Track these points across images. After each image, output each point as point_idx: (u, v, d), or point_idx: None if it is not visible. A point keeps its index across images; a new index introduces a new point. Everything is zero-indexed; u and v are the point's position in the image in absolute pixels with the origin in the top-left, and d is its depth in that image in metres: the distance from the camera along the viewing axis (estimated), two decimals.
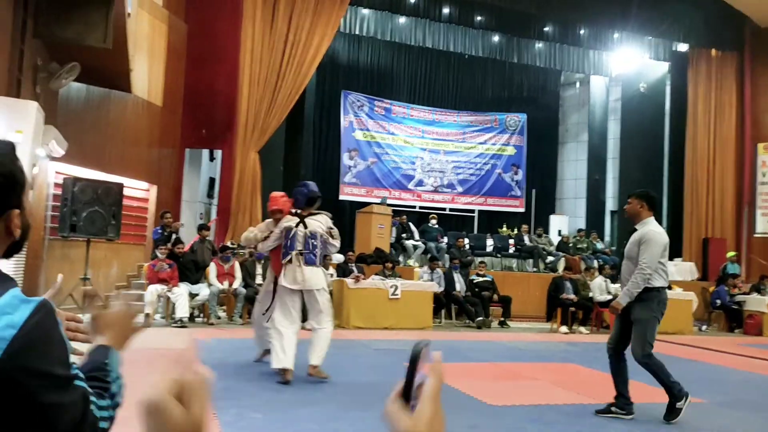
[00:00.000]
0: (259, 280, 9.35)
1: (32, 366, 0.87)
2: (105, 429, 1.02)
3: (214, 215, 12.71)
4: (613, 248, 15.35)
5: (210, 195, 13.16)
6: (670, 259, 14.70)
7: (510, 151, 17.63)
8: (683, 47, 15.65)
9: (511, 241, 14.18)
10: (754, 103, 15.55)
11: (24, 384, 0.86)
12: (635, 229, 4.63)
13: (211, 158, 13.12)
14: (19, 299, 0.91)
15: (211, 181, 13.15)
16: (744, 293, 12.07)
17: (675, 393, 4.42)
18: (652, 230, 4.50)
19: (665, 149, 16.24)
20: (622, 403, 4.47)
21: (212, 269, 9.25)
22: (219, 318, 9.22)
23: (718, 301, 12.00)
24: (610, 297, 10.69)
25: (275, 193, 6.13)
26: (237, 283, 9.22)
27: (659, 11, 14.50)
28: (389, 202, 14.88)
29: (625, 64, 16.46)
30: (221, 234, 11.40)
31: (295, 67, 11.97)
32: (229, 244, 10.20)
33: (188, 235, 10.84)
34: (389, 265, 10.43)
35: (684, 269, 14.00)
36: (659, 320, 4.54)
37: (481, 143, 17.43)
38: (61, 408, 0.91)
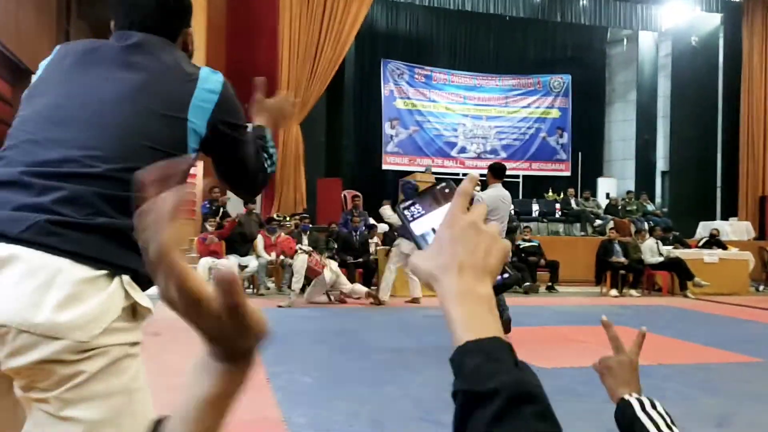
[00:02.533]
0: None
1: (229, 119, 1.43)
2: (270, 172, 1.61)
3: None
4: (665, 210, 14.94)
5: None
6: (725, 218, 14.42)
7: (554, 113, 17.24)
8: None
9: (558, 206, 13.95)
10: None
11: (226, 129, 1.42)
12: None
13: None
14: (210, 70, 1.48)
15: None
16: None
17: None
18: (481, 195, 5.67)
19: (719, 105, 15.58)
20: None
21: (260, 241, 9.40)
22: (268, 288, 9.39)
23: None
24: (661, 259, 10.46)
25: None
26: (282, 255, 9.33)
27: None
28: (433, 170, 14.78)
29: (675, 17, 15.78)
30: (267, 207, 11.55)
31: (334, 37, 11.90)
32: (275, 216, 10.35)
33: (235, 209, 11.02)
34: None
35: (740, 228, 13.54)
36: None
37: (524, 107, 17.08)
38: (247, 143, 1.49)
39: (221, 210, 9.59)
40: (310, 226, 10.26)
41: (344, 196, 12.03)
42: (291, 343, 5.32)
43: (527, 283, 10.01)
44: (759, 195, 14.44)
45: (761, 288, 11.39)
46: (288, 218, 10.41)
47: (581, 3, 15.09)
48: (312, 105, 11.97)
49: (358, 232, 9.48)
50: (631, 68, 17.64)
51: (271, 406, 3.45)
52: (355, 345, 5.32)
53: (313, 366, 4.48)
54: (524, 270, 10.22)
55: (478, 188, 7.05)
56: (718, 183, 15.54)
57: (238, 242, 9.29)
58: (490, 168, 6.03)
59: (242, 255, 9.14)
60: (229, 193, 12.01)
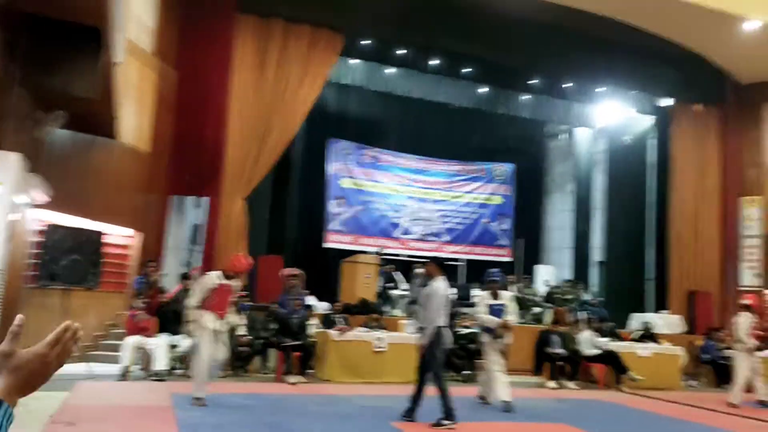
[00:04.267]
0: (241, 331, 9.12)
1: None
2: None
3: (198, 262, 12.51)
4: (601, 299, 15.27)
5: (194, 242, 12.98)
6: (656, 311, 14.86)
7: (497, 200, 17.70)
8: (666, 102, 15.95)
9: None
10: (736, 158, 15.80)
11: None
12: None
13: (197, 205, 13.00)
14: None
15: (196, 227, 12.99)
16: (731, 348, 11.97)
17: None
18: (437, 285, 6.34)
19: (650, 201, 16.37)
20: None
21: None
22: None
23: (707, 356, 11.91)
24: (598, 351, 10.58)
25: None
26: None
27: (642, 67, 14.79)
28: (383, 251, 14.77)
29: (610, 116, 16.72)
30: None
31: (284, 117, 12.02)
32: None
33: (173, 284, 10.64)
34: (375, 316, 10.27)
35: (671, 322, 13.94)
36: (443, 350, 6.42)
37: (468, 192, 17.48)
38: None
39: (155, 284, 9.22)
40: (250, 304, 9.98)
41: (282, 274, 11.80)
42: None
43: (466, 372, 9.90)
44: (688, 290, 14.99)
45: (693, 383, 11.60)
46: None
47: (522, 98, 15.82)
48: (258, 181, 11.90)
49: (298, 314, 9.25)
50: (569, 161, 18.43)
51: None
52: None
53: None
54: (464, 357, 10.14)
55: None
56: (650, 276, 16.09)
57: (171, 320, 8.89)
58: (435, 261, 6.84)
59: (174, 334, 8.73)
60: (167, 266, 11.62)
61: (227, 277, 6.64)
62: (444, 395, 6.07)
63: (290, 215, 14.58)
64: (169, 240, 11.75)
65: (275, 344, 9.01)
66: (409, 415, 6.21)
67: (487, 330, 7.42)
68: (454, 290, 6.73)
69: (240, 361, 9.02)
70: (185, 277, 9.89)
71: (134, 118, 10.30)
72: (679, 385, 10.98)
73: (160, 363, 8.08)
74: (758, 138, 15.63)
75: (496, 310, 7.35)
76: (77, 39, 5.98)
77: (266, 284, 11.29)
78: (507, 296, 7.78)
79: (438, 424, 5.95)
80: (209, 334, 6.43)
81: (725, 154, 15.76)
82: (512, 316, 7.52)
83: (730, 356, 11.50)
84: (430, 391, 6.15)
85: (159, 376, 7.97)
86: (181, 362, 8.81)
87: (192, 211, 12.95)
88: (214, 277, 6.61)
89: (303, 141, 15.27)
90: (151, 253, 10.58)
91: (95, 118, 8.02)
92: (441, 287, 6.32)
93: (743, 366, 8.89)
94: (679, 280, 15.11)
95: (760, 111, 15.66)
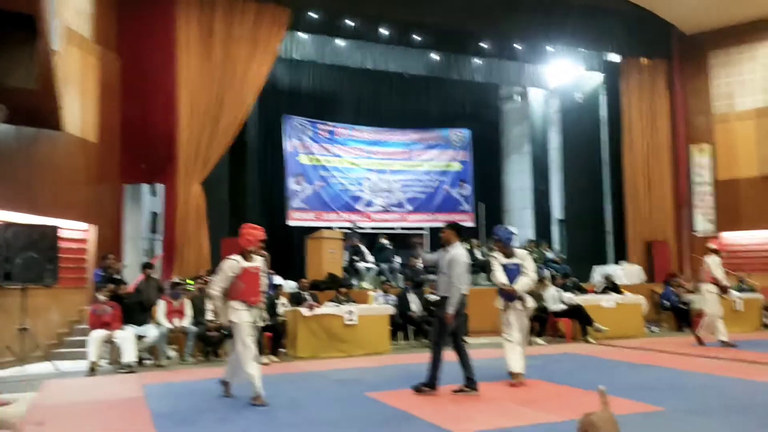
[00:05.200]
0: (209, 316, 9.03)
1: None
2: None
3: (159, 251, 12.30)
4: (563, 256, 15.59)
5: (154, 230, 12.75)
6: (617, 262, 15.26)
7: (456, 166, 17.79)
8: (615, 57, 16.16)
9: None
10: (685, 107, 16.17)
11: None
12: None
13: (153, 193, 12.73)
14: None
15: (154, 215, 12.75)
16: (690, 292, 12.42)
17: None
18: (457, 252, 6.08)
19: (605, 157, 16.67)
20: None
21: (161, 307, 8.92)
22: (170, 359, 8.87)
23: (667, 302, 12.30)
24: (564, 306, 10.83)
25: None
26: (187, 321, 8.90)
27: (589, 24, 14.93)
28: (344, 225, 14.72)
29: (561, 76, 16.87)
30: (168, 270, 11.02)
31: (236, 96, 11.78)
32: (178, 279, 9.87)
33: (134, 274, 10.44)
34: (343, 290, 10.28)
35: (632, 272, 14.33)
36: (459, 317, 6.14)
37: (427, 160, 17.53)
38: None
39: (115, 277, 9.03)
40: None
41: None
42: (196, 426, 4.97)
43: None
44: (645, 240, 15.39)
45: (655, 329, 11.99)
46: (191, 281, 9.97)
47: (474, 62, 15.82)
48: (213, 164, 11.68)
49: (265, 294, 9.18)
50: (525, 123, 18.58)
51: None
52: (263, 422, 5.03)
53: None
54: (433, 324, 10.24)
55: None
56: (609, 229, 16.46)
57: (136, 311, 8.75)
58: (454, 227, 6.33)
59: (140, 324, 8.60)
60: (127, 256, 11.39)
61: (247, 258, 5.87)
62: (435, 364, 6.05)
63: (250, 196, 14.40)
64: (126, 230, 11.51)
65: None
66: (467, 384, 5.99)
67: (501, 293, 6.65)
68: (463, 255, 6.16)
69: (210, 346, 8.95)
70: (147, 266, 9.72)
71: (79, 108, 9.96)
72: (643, 332, 11.34)
73: (129, 355, 7.95)
74: (705, 86, 15.98)
75: (510, 271, 6.56)
76: (10, 27, 5.72)
77: None
78: (522, 254, 6.76)
79: (418, 389, 6.01)
80: (245, 326, 5.71)
81: (674, 105, 16.11)
82: (528, 278, 6.51)
83: (689, 301, 11.95)
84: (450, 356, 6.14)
85: (129, 368, 7.85)
86: (150, 353, 8.70)
87: (148, 200, 12.70)
88: (236, 262, 5.82)
89: (257, 120, 15.04)
90: (109, 246, 10.34)
91: (38, 109, 7.73)
92: (462, 253, 6.10)
93: (714, 304, 9.22)
94: (637, 232, 15.51)
95: (705, 60, 16.00)
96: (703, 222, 15.75)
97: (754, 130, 15.14)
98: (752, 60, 15.48)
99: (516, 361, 6.49)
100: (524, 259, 6.69)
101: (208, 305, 9.18)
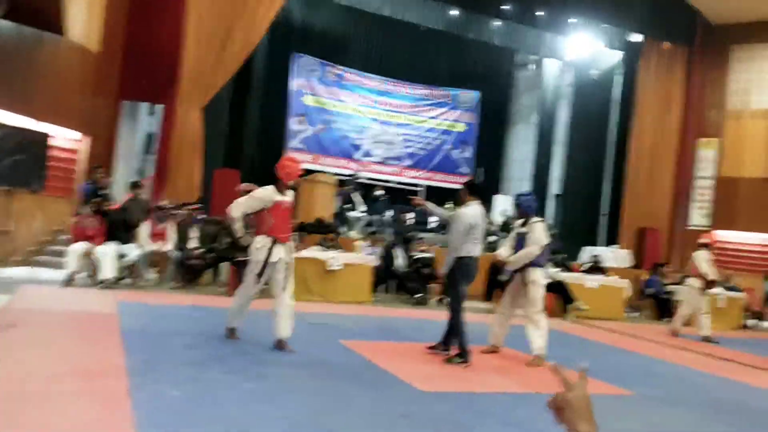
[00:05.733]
0: (193, 243, 8.96)
1: None
2: None
3: (150, 172, 12.13)
4: (556, 232, 15.51)
5: (148, 151, 12.55)
6: (607, 245, 15.22)
7: (460, 127, 17.54)
8: (636, 37, 15.78)
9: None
10: (699, 99, 15.90)
11: None
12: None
13: (151, 112, 12.48)
14: None
15: (150, 136, 12.53)
16: (674, 283, 12.42)
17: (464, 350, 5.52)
18: (462, 211, 5.66)
19: (611, 138, 16.46)
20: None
21: (144, 228, 8.81)
22: (149, 281, 8.82)
23: (650, 290, 12.31)
24: (548, 281, 10.79)
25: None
26: (169, 246, 8.82)
27: (614, 0, 14.53)
28: (336, 171, 14.55)
29: (579, 49, 16.50)
30: (157, 192, 10.88)
31: (246, 25, 11.41)
32: (166, 203, 9.74)
33: (122, 191, 10.31)
34: (331, 235, 10.19)
35: (620, 256, 14.32)
36: (465, 282, 5.68)
37: (432, 118, 17.26)
38: None
39: (102, 192, 8.89)
40: (202, 217, 9.76)
41: (240, 189, 11.54)
42: (164, 348, 4.93)
43: (419, 295, 10.02)
44: (639, 226, 15.34)
45: (634, 315, 12.03)
46: (177, 206, 9.83)
47: (493, 24, 15.43)
48: (216, 91, 11.40)
49: (251, 229, 9.08)
50: (536, 93, 18.28)
51: (126, 427, 3.10)
52: (235, 353, 5.00)
53: (186, 377, 4.13)
54: (417, 281, 10.23)
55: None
56: (604, 211, 16.38)
57: (120, 229, 8.64)
58: (467, 184, 5.91)
59: (123, 243, 8.51)
60: (118, 173, 11.24)
61: (282, 191, 5.31)
62: (457, 331, 5.58)
63: (249, 129, 14.18)
64: (120, 147, 11.32)
65: (228, 258, 8.88)
66: (442, 346, 5.78)
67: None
68: (476, 214, 5.60)
69: (191, 274, 8.89)
70: (135, 185, 9.57)
71: (84, 15, 9.65)
72: (622, 316, 11.37)
73: (107, 271, 7.88)
74: (722, 80, 15.70)
75: (519, 239, 6.18)
76: None
77: (222, 198, 11.01)
78: (533, 224, 6.13)
79: (450, 360, 5.55)
80: (259, 266, 5.25)
81: (688, 95, 15.84)
82: (526, 250, 6.02)
83: (672, 291, 11.96)
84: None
85: (105, 285, 7.80)
86: (130, 272, 8.64)
87: (145, 119, 12.47)
88: (271, 193, 5.24)
89: (266, 53, 14.70)
90: (100, 160, 10.18)
91: (41, 10, 7.46)
92: (467, 213, 5.58)
93: (694, 300, 9.20)
94: (632, 216, 15.44)
95: (727, 53, 15.67)
96: (698, 216, 15.69)
97: (765, 130, 14.93)
98: None
99: (491, 334, 6.42)
100: (533, 230, 6.12)
101: (194, 233, 9.12)
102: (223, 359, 4.74)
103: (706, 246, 9.49)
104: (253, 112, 14.42)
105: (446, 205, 15.22)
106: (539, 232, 6.11)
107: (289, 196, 5.39)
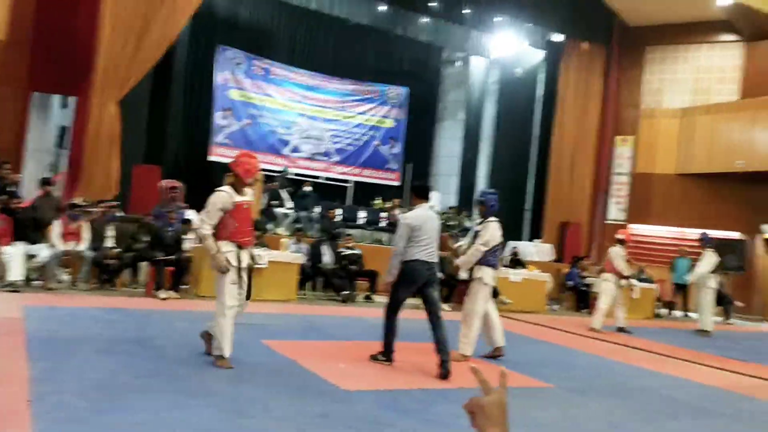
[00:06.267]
0: (109, 243, 8.58)
1: None
2: None
3: (63, 168, 11.54)
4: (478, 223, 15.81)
5: (60, 145, 11.93)
6: (531, 239, 15.64)
7: (389, 123, 17.58)
8: (558, 37, 16.25)
9: (384, 215, 14.19)
10: (616, 98, 16.55)
11: None
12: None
13: (64, 105, 11.87)
14: None
15: (63, 130, 11.92)
16: (593, 276, 12.89)
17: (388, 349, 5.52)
18: (405, 215, 5.62)
19: (535, 134, 16.90)
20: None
21: (56, 227, 8.35)
22: (61, 282, 8.37)
23: (570, 283, 12.73)
24: (492, 282, 10.96)
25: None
26: (83, 245, 8.40)
27: (537, 0, 14.91)
28: (267, 167, 14.27)
29: (504, 47, 16.84)
30: (70, 190, 10.35)
31: (165, 14, 10.98)
32: (79, 201, 9.28)
33: (33, 189, 9.75)
34: (256, 233, 9.98)
35: (543, 250, 14.73)
36: (405, 288, 5.51)
37: (360, 113, 17.21)
38: None
39: (9, 189, 8.38)
40: (119, 215, 9.37)
41: (162, 185, 11.14)
42: (72, 354, 4.67)
43: (345, 292, 9.97)
44: (560, 221, 15.84)
45: (555, 307, 12.42)
46: (93, 204, 9.39)
47: (421, 20, 15.53)
48: (134, 84, 10.94)
49: (172, 228, 8.80)
50: (463, 89, 18.54)
51: None
52: (149, 358, 4.80)
53: (93, 384, 3.92)
54: (344, 278, 10.18)
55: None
56: (528, 206, 16.82)
57: (30, 228, 8.18)
58: (413, 188, 5.90)
59: (33, 242, 8.05)
60: (28, 169, 10.62)
61: (239, 191, 4.93)
62: (387, 334, 5.51)
63: (172, 124, 13.71)
64: (29, 141, 10.70)
65: (147, 258, 8.56)
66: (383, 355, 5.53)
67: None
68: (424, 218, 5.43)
69: (107, 274, 8.51)
70: (46, 182, 9.08)
71: None
72: (545, 309, 11.70)
73: (15, 273, 7.43)
74: (637, 79, 16.40)
75: (475, 238, 6.25)
76: None
77: (141, 194, 10.66)
78: (487, 223, 6.20)
79: (374, 358, 5.55)
80: (235, 272, 4.86)
81: (606, 93, 16.46)
82: (471, 250, 6.11)
83: (591, 283, 12.40)
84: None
85: (13, 287, 7.35)
86: (40, 273, 8.18)
87: (58, 112, 11.85)
88: (228, 195, 4.86)
89: (189, 45, 14.27)
90: (8, 155, 9.59)
91: None
92: (409, 216, 5.45)
93: (608, 295, 9.54)
94: (554, 211, 15.92)
95: (642, 53, 16.37)
96: (616, 210, 16.35)
97: (676, 128, 15.70)
98: (685, 61, 15.97)
99: (486, 339, 6.38)
100: (485, 228, 6.18)
101: (110, 231, 8.73)
102: (135, 365, 4.54)
103: (620, 242, 9.87)
104: (175, 105, 13.95)
105: (374, 202, 15.26)
106: (490, 232, 6.15)
107: (248, 196, 5.06)
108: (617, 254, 9.67)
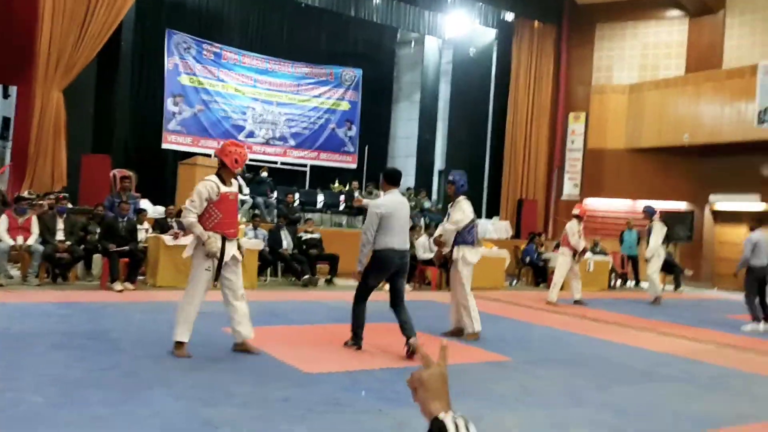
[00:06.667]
0: (60, 236, 8.35)
1: None
2: None
3: (8, 160, 11.16)
4: (440, 207, 15.94)
5: (4, 136, 11.52)
6: (489, 217, 15.85)
7: (344, 106, 17.48)
8: (510, 16, 16.37)
9: (342, 198, 14.18)
10: (568, 75, 16.81)
11: None
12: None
13: (5, 95, 11.44)
14: None
15: (5, 120, 11.50)
16: (549, 251, 13.16)
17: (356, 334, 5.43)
18: (374, 201, 5.52)
19: (490, 113, 17.06)
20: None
21: (2, 222, 8.09)
22: (11, 278, 8.13)
23: (527, 258, 12.97)
24: (432, 255, 11.09)
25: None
26: (32, 239, 8.16)
27: None
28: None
29: (457, 27, 16.89)
30: (17, 183, 10.03)
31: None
32: (26, 194, 9.01)
33: None
34: None
35: (500, 228, 14.95)
36: (376, 276, 5.43)
37: (315, 96, 17.07)
38: None
39: None
40: (69, 206, 9.11)
41: (113, 175, 10.90)
42: (25, 350, 4.57)
43: (306, 276, 9.95)
44: (517, 198, 16.09)
45: (514, 283, 12.65)
46: (40, 196, 9.13)
47: (374, 1, 15.43)
48: (79, 71, 10.62)
49: (125, 218, 8.61)
50: (417, 70, 18.55)
51: None
52: (105, 351, 4.72)
53: (48, 380, 3.85)
54: (304, 263, 10.15)
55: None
56: (484, 185, 17.02)
57: None
58: (383, 174, 5.61)
59: None
60: None
61: (226, 182, 4.84)
62: (354, 320, 5.42)
63: (120, 112, 13.35)
64: None
65: (100, 250, 8.37)
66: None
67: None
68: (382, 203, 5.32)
69: (59, 268, 8.30)
70: None
71: None
72: (503, 285, 11.91)
73: None
74: (588, 57, 16.67)
75: (447, 218, 6.37)
76: None
77: (91, 185, 10.39)
78: (457, 202, 6.32)
79: (346, 344, 5.48)
80: (213, 264, 4.76)
81: (558, 71, 16.70)
82: (442, 227, 6.29)
83: (548, 259, 12.66)
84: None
85: None
86: None
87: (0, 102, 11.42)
88: (215, 185, 4.74)
89: (135, 30, 13.89)
90: None
91: None
92: (377, 203, 5.35)
93: (563, 268, 9.76)
94: (510, 189, 16.15)
95: (592, 31, 16.63)
96: (570, 186, 16.67)
97: (625, 104, 16.05)
98: (633, 37, 16.30)
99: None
100: (455, 208, 6.30)
101: (60, 224, 8.50)
102: (91, 358, 4.46)
103: (577, 217, 10.09)
104: (123, 93, 13.58)
105: (333, 185, 15.22)
106: (459, 210, 6.24)
107: (234, 186, 4.97)
108: (574, 229, 9.89)
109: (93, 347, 4.79)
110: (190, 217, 4.73)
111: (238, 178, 12.69)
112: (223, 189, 4.78)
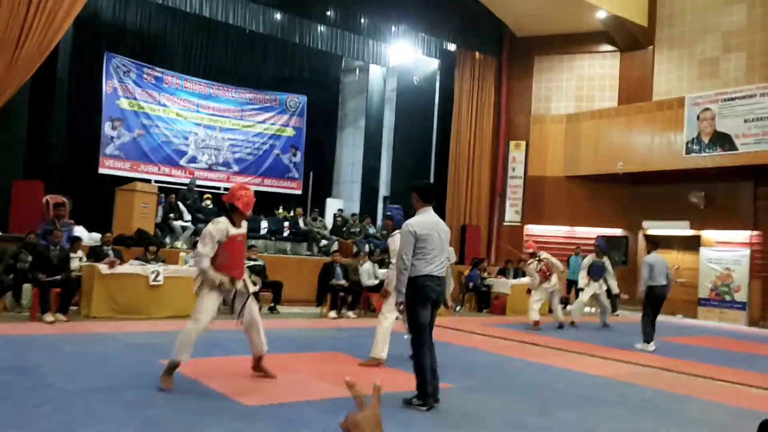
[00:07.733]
0: None
1: None
2: None
3: None
4: (384, 232, 16.01)
5: None
6: None
7: (289, 132, 17.44)
8: (452, 47, 16.77)
9: (286, 224, 14.07)
10: (508, 105, 17.30)
11: None
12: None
13: None
14: None
15: None
16: (492, 277, 13.38)
17: (422, 390, 4.63)
18: (407, 222, 4.79)
19: (433, 140, 17.34)
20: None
21: None
22: None
23: (471, 284, 13.14)
24: (377, 281, 11.09)
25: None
26: None
27: (430, 10, 15.32)
28: (158, 179, 13.77)
29: (401, 56, 17.18)
30: None
31: (44, 21, 10.35)
32: None
33: None
34: (153, 248, 9.62)
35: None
36: (423, 307, 4.73)
37: (260, 122, 16.96)
38: None
39: None
40: (0, 235, 8.73)
41: (46, 201, 10.49)
42: None
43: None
44: (461, 224, 16.32)
45: (458, 308, 12.77)
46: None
47: (319, 29, 15.55)
48: (11, 94, 10.22)
49: (57, 247, 8.29)
50: (362, 97, 18.73)
51: None
52: (32, 387, 4.50)
53: None
54: None
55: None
56: None
57: None
58: (414, 188, 4.89)
59: None
60: None
61: (236, 224, 4.96)
62: (418, 370, 4.72)
63: (56, 136, 12.92)
64: None
65: (30, 279, 8.02)
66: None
67: None
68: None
69: None
70: None
71: None
72: (447, 311, 11.98)
73: None
74: (527, 87, 17.21)
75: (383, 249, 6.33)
76: None
77: (22, 212, 9.98)
78: (393, 237, 6.22)
79: (408, 402, 4.67)
80: (217, 296, 4.94)
81: (499, 101, 17.16)
82: (393, 266, 5.78)
83: (491, 284, 12.86)
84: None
85: None
86: None
87: None
88: (225, 226, 4.85)
89: (72, 53, 13.54)
90: None
91: None
92: (412, 224, 4.68)
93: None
94: (454, 215, 16.37)
95: (531, 63, 17.20)
96: (511, 212, 17.04)
97: (563, 133, 16.61)
98: (570, 70, 16.94)
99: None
100: (391, 241, 6.26)
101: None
102: (17, 393, 4.24)
103: (532, 255, 10.63)
104: (58, 116, 13.16)
105: (278, 212, 15.10)
106: (395, 244, 6.12)
107: (243, 228, 5.09)
108: (532, 268, 10.49)
109: (20, 383, 4.56)
110: (205, 263, 4.82)
111: (179, 204, 12.49)
112: (232, 231, 4.92)
